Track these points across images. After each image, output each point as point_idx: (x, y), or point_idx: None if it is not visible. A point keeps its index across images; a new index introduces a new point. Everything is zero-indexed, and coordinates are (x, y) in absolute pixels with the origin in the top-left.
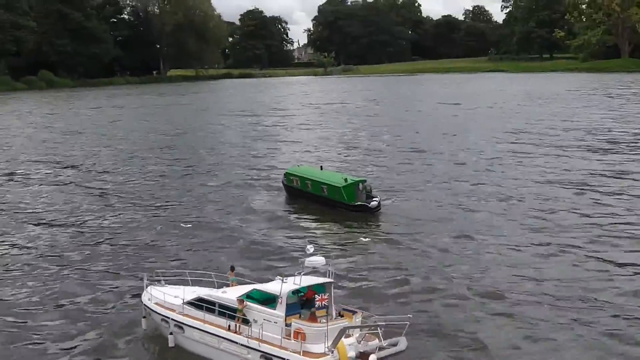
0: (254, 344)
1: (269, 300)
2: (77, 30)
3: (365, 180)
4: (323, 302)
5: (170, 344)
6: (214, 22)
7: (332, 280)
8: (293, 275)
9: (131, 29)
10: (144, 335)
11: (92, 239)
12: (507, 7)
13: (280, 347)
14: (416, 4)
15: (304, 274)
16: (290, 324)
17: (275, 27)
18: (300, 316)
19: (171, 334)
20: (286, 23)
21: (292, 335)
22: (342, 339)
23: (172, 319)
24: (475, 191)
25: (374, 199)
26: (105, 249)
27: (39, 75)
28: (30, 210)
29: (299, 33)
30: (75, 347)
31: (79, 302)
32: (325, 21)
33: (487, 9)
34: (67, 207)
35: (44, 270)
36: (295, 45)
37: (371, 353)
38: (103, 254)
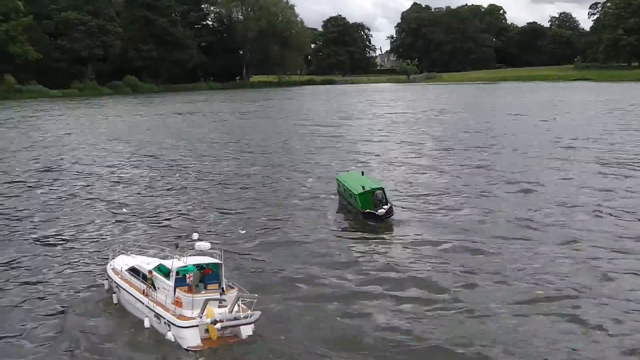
0: (152, 305)
1: (167, 273)
2: (162, 36)
3: (381, 188)
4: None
5: (115, 301)
6: (297, 28)
7: (218, 261)
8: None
9: (215, 35)
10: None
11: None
12: (594, 14)
13: (166, 310)
14: (500, 11)
15: (191, 255)
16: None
17: (358, 34)
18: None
19: (114, 293)
20: (369, 30)
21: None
22: (217, 308)
23: (114, 281)
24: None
25: (383, 207)
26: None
27: (125, 80)
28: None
29: (381, 40)
30: None
31: None
32: (408, 28)
33: (573, 15)
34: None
35: None
36: (378, 52)
37: (229, 320)
38: None
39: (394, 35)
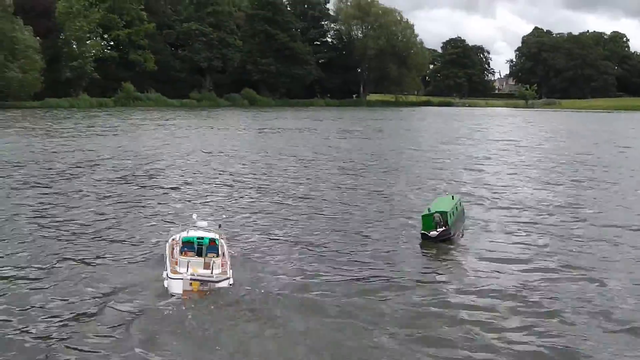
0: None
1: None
2: (281, 51)
3: (443, 212)
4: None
5: None
6: (416, 48)
7: (215, 236)
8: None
9: (334, 51)
10: None
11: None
12: None
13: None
14: (624, 39)
15: (192, 229)
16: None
17: (477, 57)
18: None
19: None
20: (488, 53)
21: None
22: (202, 269)
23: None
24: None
25: (437, 230)
26: None
27: (242, 93)
28: None
29: (499, 63)
30: None
31: None
32: (528, 52)
33: None
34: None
35: None
36: (496, 76)
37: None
38: None
39: (514, 59)
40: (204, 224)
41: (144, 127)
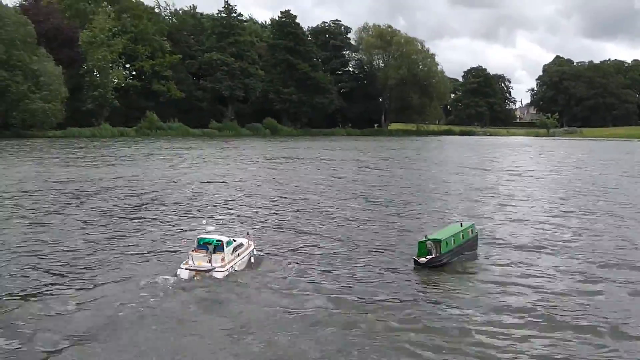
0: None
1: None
2: (303, 80)
3: (437, 240)
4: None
5: None
6: (437, 77)
7: (222, 239)
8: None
9: (355, 81)
10: None
11: None
12: None
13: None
14: None
15: (211, 234)
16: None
17: (498, 85)
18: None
19: None
20: (509, 82)
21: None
22: (206, 262)
23: None
24: None
25: (427, 257)
26: None
27: (264, 122)
28: None
29: (520, 92)
30: None
31: None
32: (549, 81)
33: None
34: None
35: None
36: (518, 105)
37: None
38: None
39: (535, 88)
40: (211, 228)
41: (155, 157)
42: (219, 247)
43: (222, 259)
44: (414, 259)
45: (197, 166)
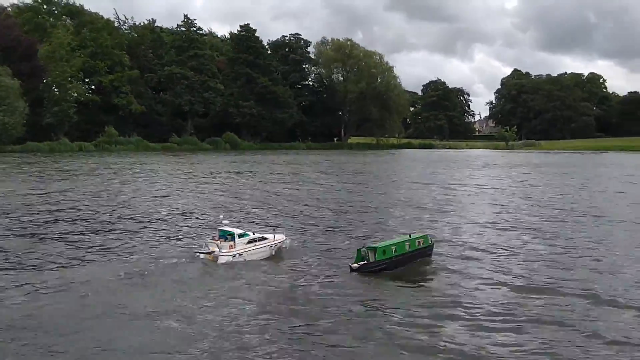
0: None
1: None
2: (262, 94)
3: (372, 248)
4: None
5: None
6: (396, 91)
7: (232, 231)
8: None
9: (315, 95)
10: None
11: None
12: None
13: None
14: (600, 80)
15: (226, 227)
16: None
17: (457, 99)
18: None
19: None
20: (468, 95)
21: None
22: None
23: None
24: None
25: (359, 263)
26: None
27: (224, 136)
28: None
29: (479, 105)
30: None
31: None
32: (508, 94)
33: None
34: None
35: None
36: (477, 118)
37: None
38: None
39: (493, 101)
40: (226, 222)
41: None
42: (231, 237)
43: (230, 247)
44: (349, 265)
45: (133, 181)
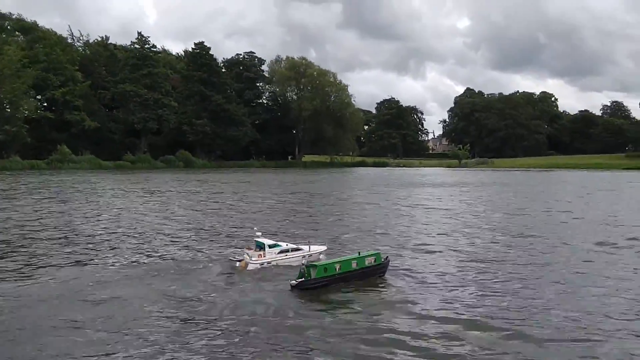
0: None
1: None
2: (216, 112)
3: (313, 265)
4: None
5: None
6: (350, 109)
7: (264, 242)
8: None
9: (269, 113)
10: None
11: None
12: None
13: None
14: (552, 98)
15: (259, 238)
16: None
17: (411, 117)
18: (258, 250)
19: None
20: (422, 113)
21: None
22: (251, 258)
23: None
24: None
25: (297, 280)
26: None
27: (177, 154)
28: None
29: (432, 123)
30: None
31: None
32: (461, 113)
33: (625, 104)
34: None
35: None
36: (430, 136)
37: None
38: None
39: (447, 120)
40: (259, 234)
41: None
42: (262, 247)
43: (259, 256)
44: (290, 282)
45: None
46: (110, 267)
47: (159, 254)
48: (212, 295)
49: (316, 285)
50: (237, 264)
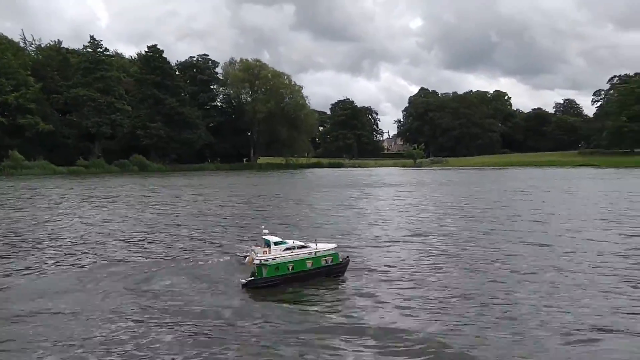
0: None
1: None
2: (170, 115)
3: (264, 264)
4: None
5: None
6: (305, 111)
7: (269, 239)
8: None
9: (223, 115)
10: None
11: None
12: (598, 100)
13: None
14: (506, 97)
15: (266, 236)
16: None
17: (366, 118)
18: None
19: None
20: (376, 113)
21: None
22: (257, 255)
23: None
24: None
25: (247, 279)
26: None
27: (132, 159)
28: None
29: (387, 123)
30: None
31: None
32: (415, 112)
33: (577, 102)
34: None
35: None
36: (385, 136)
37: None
38: None
39: (401, 120)
40: (266, 231)
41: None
42: (269, 245)
43: (264, 252)
44: (241, 281)
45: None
46: (63, 274)
47: (117, 258)
48: (167, 293)
49: (267, 285)
50: (245, 260)
